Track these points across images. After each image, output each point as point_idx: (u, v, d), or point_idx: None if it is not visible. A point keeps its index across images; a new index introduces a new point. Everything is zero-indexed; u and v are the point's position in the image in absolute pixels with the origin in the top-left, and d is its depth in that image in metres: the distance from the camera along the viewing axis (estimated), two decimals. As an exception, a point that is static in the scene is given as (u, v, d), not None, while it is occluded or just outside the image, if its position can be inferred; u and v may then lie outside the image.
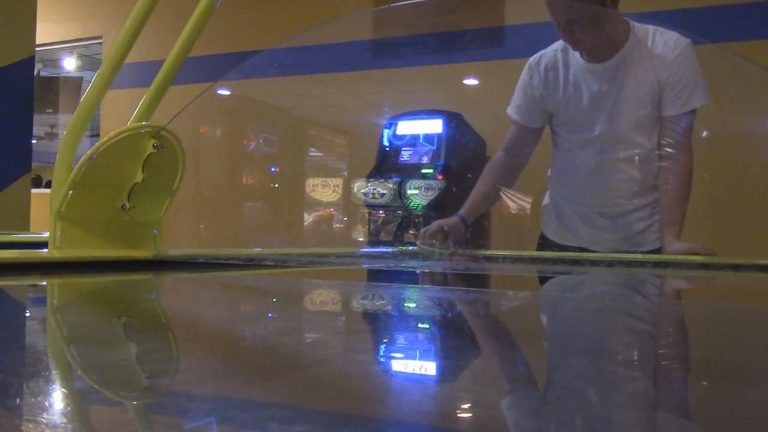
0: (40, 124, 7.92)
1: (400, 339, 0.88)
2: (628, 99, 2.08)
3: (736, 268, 1.77)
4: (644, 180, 2.13)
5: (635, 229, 2.16)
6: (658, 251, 2.10)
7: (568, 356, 0.78)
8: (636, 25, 2.09)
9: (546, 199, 2.38)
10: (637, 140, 2.11)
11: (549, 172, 2.35)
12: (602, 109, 2.11)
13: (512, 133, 2.32)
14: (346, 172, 5.59)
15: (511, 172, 2.36)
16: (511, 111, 2.30)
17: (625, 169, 2.14)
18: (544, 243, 2.32)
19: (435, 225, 2.25)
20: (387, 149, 4.72)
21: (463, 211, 2.30)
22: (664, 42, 2.06)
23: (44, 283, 1.46)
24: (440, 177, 4.39)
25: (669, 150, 2.09)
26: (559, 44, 2.18)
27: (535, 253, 2.24)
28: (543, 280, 1.89)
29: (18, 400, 0.51)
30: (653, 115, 2.08)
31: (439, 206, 4.31)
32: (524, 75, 2.26)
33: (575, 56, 2.14)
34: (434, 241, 2.19)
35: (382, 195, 4.52)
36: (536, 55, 2.23)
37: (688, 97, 2.04)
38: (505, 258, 2.12)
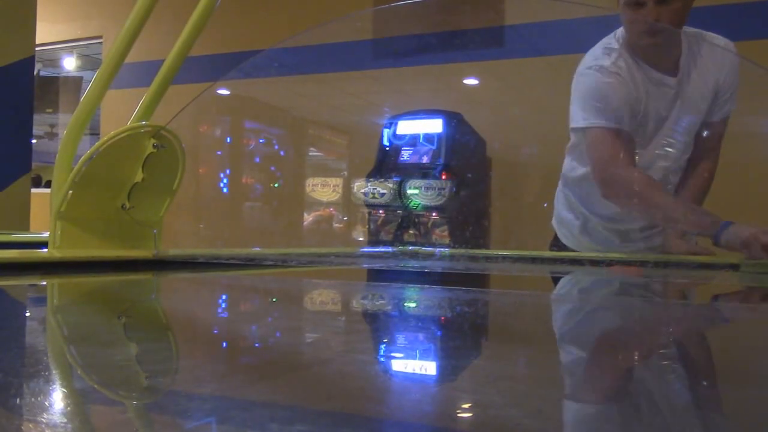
0: (40, 124, 7.93)
1: (401, 339, 0.88)
2: (691, 110, 1.99)
3: (735, 268, 1.77)
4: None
5: (659, 241, 2.12)
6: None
7: (567, 356, 0.78)
8: (684, 30, 1.99)
9: (562, 207, 2.29)
10: (687, 151, 2.06)
11: (567, 177, 2.23)
12: (668, 121, 2.00)
13: (616, 142, 1.96)
14: (346, 172, 5.59)
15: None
16: (604, 121, 1.96)
17: (672, 181, 2.08)
18: (558, 248, 2.26)
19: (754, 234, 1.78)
20: (387, 149, 4.72)
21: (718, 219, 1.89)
22: (715, 47, 1.99)
23: (44, 282, 1.46)
24: (444, 176, 4.39)
25: (700, 153, 2.05)
26: (614, 52, 1.97)
27: (536, 253, 2.24)
28: (542, 280, 1.89)
29: (18, 400, 0.51)
30: (699, 123, 2.02)
31: (446, 206, 4.32)
32: (606, 78, 1.96)
33: (642, 65, 1.97)
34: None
35: (382, 195, 4.52)
36: (602, 55, 1.98)
37: (731, 103, 2.01)
38: (504, 258, 2.12)
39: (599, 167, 1.99)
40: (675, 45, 1.98)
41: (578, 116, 2.01)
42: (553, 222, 2.33)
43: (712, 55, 1.98)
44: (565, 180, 2.26)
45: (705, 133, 2.04)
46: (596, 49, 2.03)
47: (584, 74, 2.00)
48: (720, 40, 2.01)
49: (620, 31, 2.01)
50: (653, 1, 1.86)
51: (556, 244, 2.29)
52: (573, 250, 2.22)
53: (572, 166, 2.21)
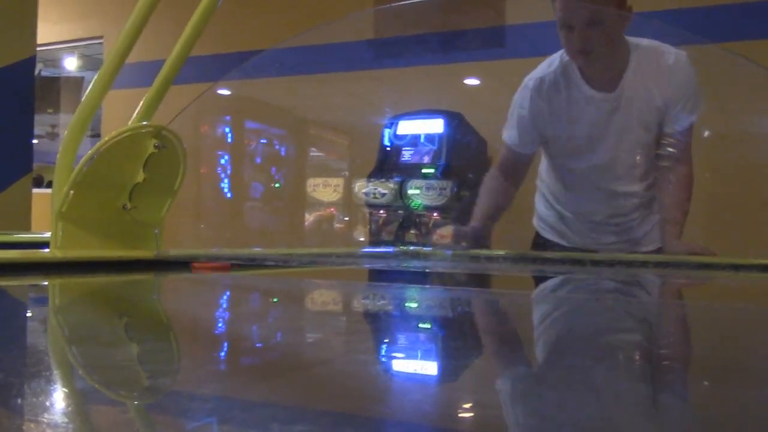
0: (41, 124, 7.92)
1: (402, 339, 0.88)
2: (635, 126, 2.04)
3: (736, 268, 1.77)
4: (646, 194, 2.14)
5: (639, 233, 2.17)
6: (659, 250, 2.11)
7: (568, 356, 0.78)
8: (632, 42, 2.03)
9: (539, 204, 2.35)
10: (640, 161, 2.10)
11: (541, 174, 2.33)
12: (608, 136, 2.06)
13: (507, 156, 2.24)
14: (347, 172, 5.59)
15: (510, 194, 2.29)
16: (506, 136, 2.20)
17: (629, 190, 2.14)
18: (542, 244, 2.30)
19: (448, 228, 2.19)
20: (388, 149, 4.72)
21: (475, 223, 2.22)
22: (665, 61, 2.01)
23: (45, 283, 1.46)
24: (442, 177, 4.39)
25: (671, 160, 2.08)
26: (555, 64, 2.08)
27: (537, 254, 2.24)
28: (545, 280, 1.89)
29: (19, 401, 0.51)
30: (656, 136, 2.06)
31: (447, 206, 4.32)
32: (522, 100, 2.13)
33: (577, 81, 2.05)
34: (444, 242, 2.13)
35: (383, 195, 4.52)
36: (533, 78, 2.11)
37: (690, 111, 2.03)
38: (505, 258, 2.12)
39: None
40: (615, 61, 2.01)
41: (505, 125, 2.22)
42: (534, 220, 2.37)
43: (662, 68, 2.00)
44: (539, 176, 2.35)
45: (670, 140, 2.07)
46: (545, 61, 2.13)
47: (521, 86, 2.15)
48: (672, 52, 2.02)
49: None
50: (581, 25, 1.91)
51: (538, 240, 2.32)
52: (556, 244, 2.25)
53: (542, 161, 2.32)
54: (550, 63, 2.10)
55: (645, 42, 2.03)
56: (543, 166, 2.32)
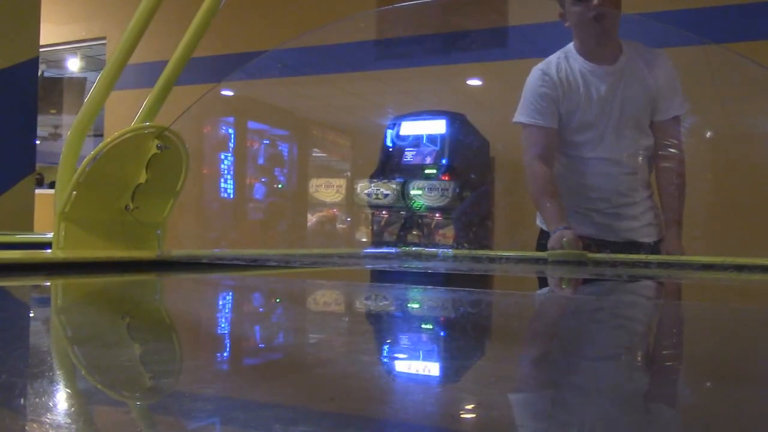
0: (44, 125, 7.94)
1: (404, 340, 0.88)
2: (632, 100, 2.18)
3: (739, 268, 1.77)
4: (642, 177, 2.24)
5: (633, 225, 2.23)
6: (654, 245, 2.19)
7: (570, 357, 0.78)
8: (621, 40, 2.22)
9: None
10: (638, 140, 2.21)
11: None
12: (610, 109, 2.19)
13: (538, 139, 2.26)
14: (349, 173, 5.58)
15: (554, 179, 2.30)
16: (527, 118, 2.26)
17: (629, 167, 2.23)
18: (545, 242, 2.30)
19: (568, 235, 2.10)
20: (390, 150, 4.72)
21: (564, 222, 2.16)
22: (651, 52, 2.21)
23: (48, 283, 1.46)
24: (444, 177, 4.39)
25: (667, 153, 2.19)
26: (559, 53, 2.25)
27: (539, 254, 2.24)
28: (546, 281, 1.89)
29: (22, 401, 0.51)
30: (647, 119, 2.20)
31: (449, 207, 4.32)
32: (535, 81, 2.26)
33: (579, 61, 2.22)
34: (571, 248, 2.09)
35: (386, 196, 4.51)
36: (541, 63, 2.27)
37: (679, 103, 2.18)
38: (508, 258, 2.11)
39: (524, 158, 2.31)
40: (615, 39, 2.19)
41: (517, 112, 2.31)
42: (537, 219, 2.37)
43: (650, 56, 2.20)
44: None
45: (663, 131, 2.20)
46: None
47: (530, 74, 2.30)
48: (654, 49, 2.23)
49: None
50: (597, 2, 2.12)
51: (541, 239, 2.32)
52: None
53: None
54: (556, 55, 2.27)
55: (631, 41, 2.23)
56: None
